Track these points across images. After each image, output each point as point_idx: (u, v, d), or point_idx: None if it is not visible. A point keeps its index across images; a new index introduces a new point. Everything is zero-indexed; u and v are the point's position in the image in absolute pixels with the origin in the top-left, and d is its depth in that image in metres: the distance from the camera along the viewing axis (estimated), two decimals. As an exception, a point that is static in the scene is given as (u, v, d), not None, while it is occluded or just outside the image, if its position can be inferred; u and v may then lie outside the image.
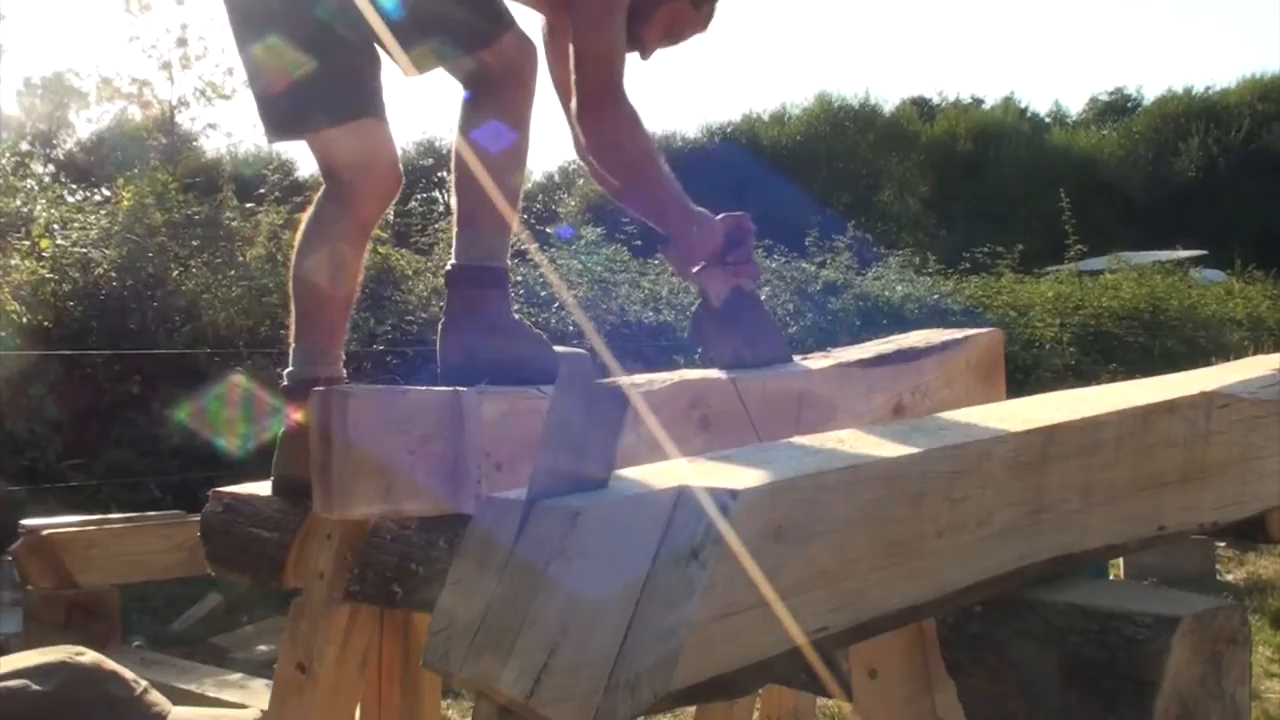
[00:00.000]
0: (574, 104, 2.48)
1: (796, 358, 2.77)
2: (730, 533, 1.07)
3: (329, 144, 2.37)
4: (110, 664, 1.41)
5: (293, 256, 2.44)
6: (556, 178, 34.92)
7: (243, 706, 3.06)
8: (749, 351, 2.62)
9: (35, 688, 1.32)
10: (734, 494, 1.09)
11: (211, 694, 4.04)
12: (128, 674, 1.41)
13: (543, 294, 9.75)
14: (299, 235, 2.43)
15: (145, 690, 1.41)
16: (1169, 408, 1.61)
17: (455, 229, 2.46)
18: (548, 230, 16.36)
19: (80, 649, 1.43)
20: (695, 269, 2.67)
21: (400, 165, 2.47)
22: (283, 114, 2.39)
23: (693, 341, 2.68)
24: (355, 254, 2.43)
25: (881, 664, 1.49)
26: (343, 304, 2.42)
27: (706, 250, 2.64)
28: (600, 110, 2.43)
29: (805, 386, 2.48)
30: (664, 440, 2.03)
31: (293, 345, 2.40)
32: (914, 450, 1.30)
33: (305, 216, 2.44)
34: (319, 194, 2.42)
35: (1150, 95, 41.59)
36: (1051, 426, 1.44)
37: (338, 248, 2.39)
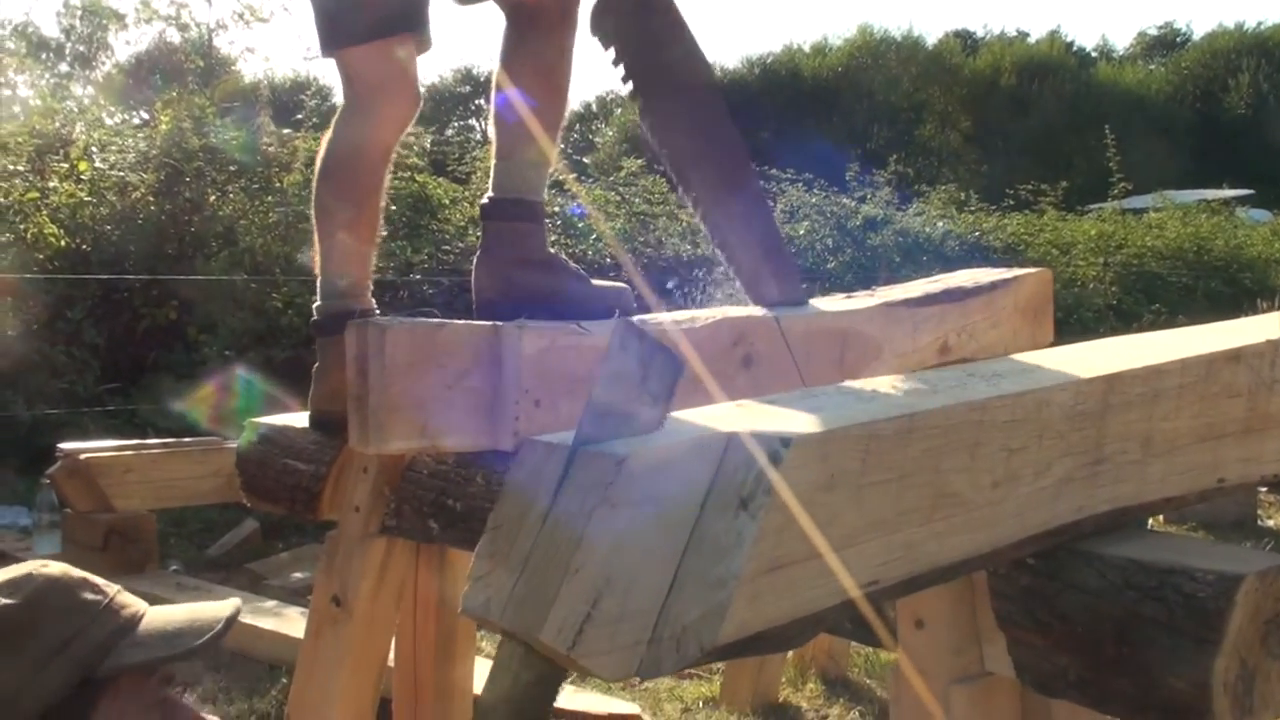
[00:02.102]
0: None
1: (839, 296, 2.71)
2: (782, 482, 1.03)
3: (353, 62, 2.29)
4: (78, 571, 1.40)
5: (314, 183, 2.35)
6: (594, 108, 34.67)
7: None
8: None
9: (5, 600, 1.31)
10: (786, 441, 1.04)
11: (247, 620, 4.07)
12: (98, 579, 1.40)
13: (580, 226, 9.68)
14: (319, 160, 2.34)
15: (118, 592, 1.40)
16: (1234, 356, 1.56)
17: (493, 160, 2.41)
18: (584, 160, 16.24)
19: (45, 560, 1.42)
20: None
21: (420, 88, 2.37)
22: (321, 28, 2.31)
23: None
24: (378, 178, 2.33)
25: (929, 614, 1.45)
26: (369, 231, 2.33)
27: None
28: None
29: (850, 325, 2.43)
30: (708, 381, 1.99)
31: (319, 276, 2.33)
32: (970, 398, 1.25)
33: (324, 139, 2.35)
34: (337, 116, 2.34)
35: (1200, 30, 40.89)
36: (1113, 375, 1.39)
37: (360, 171, 2.30)
